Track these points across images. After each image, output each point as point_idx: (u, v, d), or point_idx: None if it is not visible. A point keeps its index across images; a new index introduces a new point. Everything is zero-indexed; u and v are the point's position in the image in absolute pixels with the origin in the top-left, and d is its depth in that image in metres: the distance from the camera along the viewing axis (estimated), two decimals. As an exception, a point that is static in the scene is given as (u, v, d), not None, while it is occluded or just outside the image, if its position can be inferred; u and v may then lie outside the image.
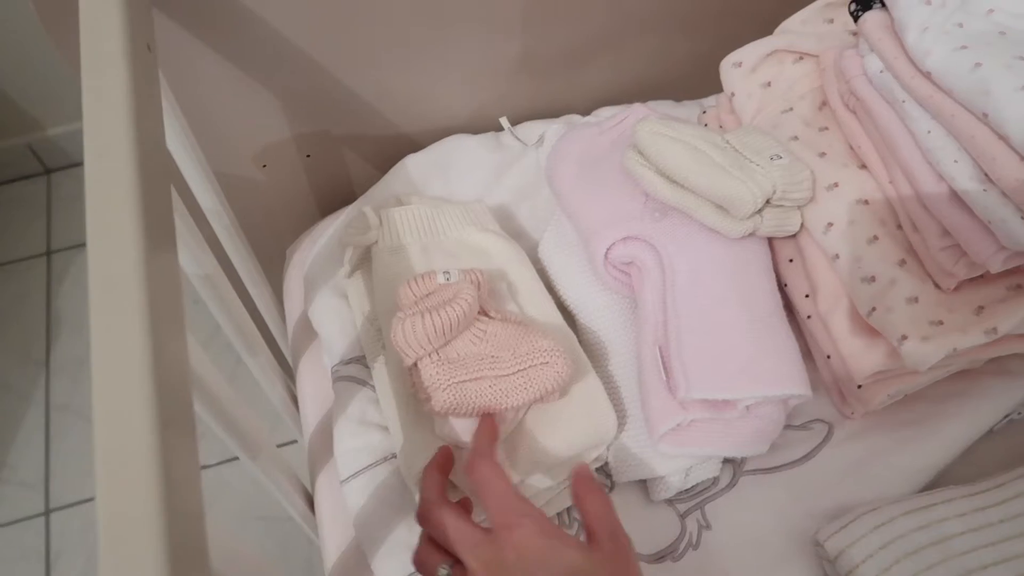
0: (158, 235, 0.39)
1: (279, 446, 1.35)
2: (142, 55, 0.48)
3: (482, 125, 0.84)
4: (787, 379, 0.61)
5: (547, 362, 0.56)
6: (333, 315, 0.70)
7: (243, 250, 0.75)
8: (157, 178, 0.43)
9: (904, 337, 0.58)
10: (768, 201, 0.64)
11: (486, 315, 0.60)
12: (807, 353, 0.69)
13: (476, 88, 0.83)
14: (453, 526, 0.46)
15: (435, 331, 0.55)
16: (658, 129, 0.64)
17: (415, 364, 0.57)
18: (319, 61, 0.73)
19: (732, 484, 0.64)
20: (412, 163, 0.79)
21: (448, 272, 0.60)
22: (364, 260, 0.70)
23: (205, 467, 1.41)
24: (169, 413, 0.32)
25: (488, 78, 0.83)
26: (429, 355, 0.56)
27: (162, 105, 0.59)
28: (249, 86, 0.73)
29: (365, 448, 0.64)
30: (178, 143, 0.63)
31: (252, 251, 0.80)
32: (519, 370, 0.57)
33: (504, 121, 0.82)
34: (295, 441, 1.29)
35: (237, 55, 0.70)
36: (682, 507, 0.63)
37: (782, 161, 0.65)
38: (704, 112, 0.80)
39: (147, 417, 0.31)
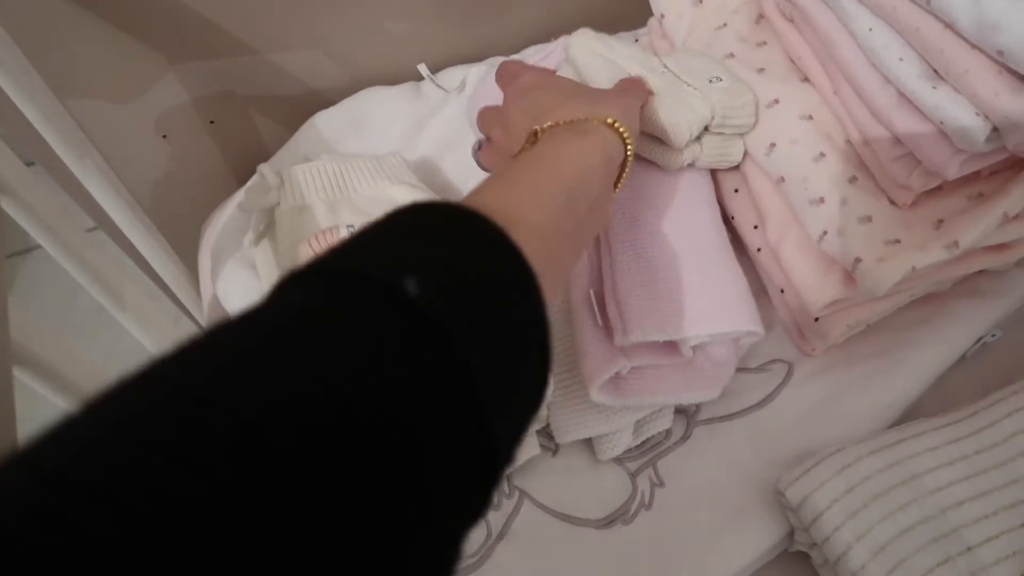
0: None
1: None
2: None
3: (400, 75, 0.78)
4: (735, 315, 0.55)
5: None
6: (242, 289, 0.64)
7: (144, 232, 0.69)
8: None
9: (858, 260, 0.53)
10: (707, 128, 0.59)
11: None
12: (762, 290, 0.64)
13: (389, 34, 0.77)
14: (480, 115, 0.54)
15: None
16: (594, 47, 0.60)
17: None
18: (206, 15, 0.66)
19: (686, 436, 0.59)
20: (322, 120, 0.73)
21: (352, 226, 0.54)
22: (272, 226, 0.64)
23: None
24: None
25: (402, 22, 0.76)
26: None
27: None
28: (130, 49, 0.66)
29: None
30: (48, 124, 0.56)
31: (160, 233, 0.73)
32: None
33: (423, 68, 0.76)
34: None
35: (110, 15, 0.63)
36: (632, 465, 0.58)
37: (722, 84, 0.59)
38: (636, 41, 0.74)
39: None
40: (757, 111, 0.60)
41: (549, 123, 0.45)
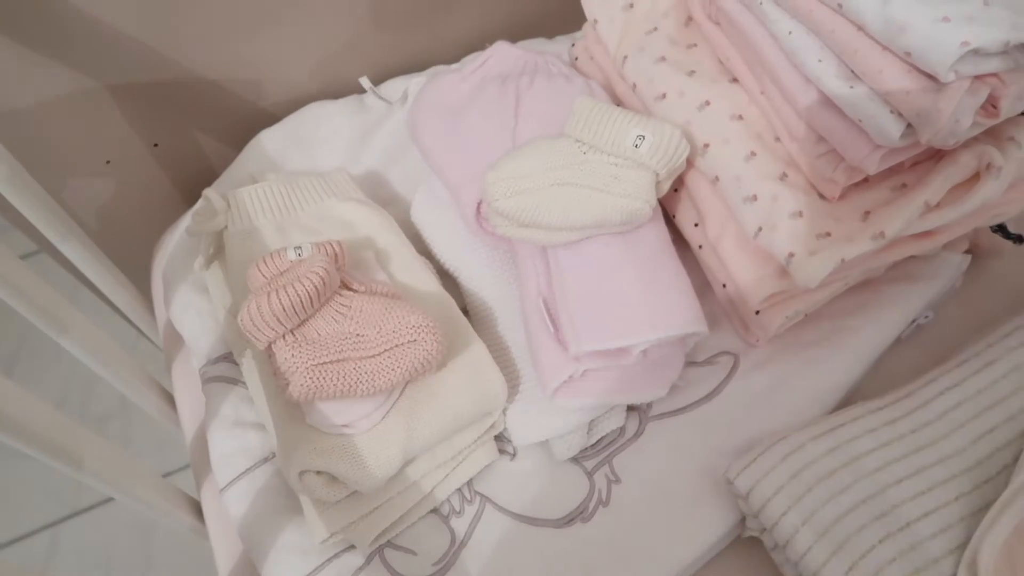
0: None
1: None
2: None
3: (343, 88, 0.78)
4: (680, 319, 0.57)
5: (415, 340, 0.52)
6: (194, 312, 0.65)
7: (89, 258, 0.68)
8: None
9: (791, 254, 0.55)
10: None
11: (349, 288, 0.55)
12: (706, 285, 0.66)
13: (329, 49, 0.77)
14: None
15: (284, 310, 0.50)
16: (511, 188, 0.56)
17: (270, 348, 0.52)
18: (141, 38, 0.66)
19: (639, 433, 0.61)
20: (267, 138, 0.73)
21: (300, 247, 0.55)
22: (222, 249, 0.64)
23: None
24: None
25: (341, 36, 0.77)
26: (283, 336, 0.51)
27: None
28: (65, 74, 0.66)
29: (242, 451, 0.59)
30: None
31: (108, 258, 0.73)
32: (385, 350, 0.52)
33: (365, 81, 0.77)
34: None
35: (42, 42, 0.63)
36: (589, 464, 0.60)
37: (647, 140, 0.58)
38: (573, 46, 0.75)
39: None
40: (687, 139, 0.60)
41: None
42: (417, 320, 0.52)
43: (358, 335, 0.53)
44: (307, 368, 0.50)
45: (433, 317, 0.54)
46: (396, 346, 0.52)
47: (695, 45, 0.65)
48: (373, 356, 0.52)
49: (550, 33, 0.83)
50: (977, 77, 0.47)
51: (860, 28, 0.49)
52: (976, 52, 0.45)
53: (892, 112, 0.49)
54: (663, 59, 0.64)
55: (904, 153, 0.53)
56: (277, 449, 0.55)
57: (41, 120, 0.67)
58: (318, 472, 0.52)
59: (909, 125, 0.49)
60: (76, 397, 1.45)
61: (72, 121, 0.69)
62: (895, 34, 0.47)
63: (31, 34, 0.63)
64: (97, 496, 1.35)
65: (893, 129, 0.49)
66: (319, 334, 0.52)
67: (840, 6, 0.49)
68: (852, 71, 0.51)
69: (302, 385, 0.50)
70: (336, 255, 0.56)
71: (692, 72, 0.63)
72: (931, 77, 0.47)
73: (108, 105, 0.71)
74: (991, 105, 0.49)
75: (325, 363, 0.51)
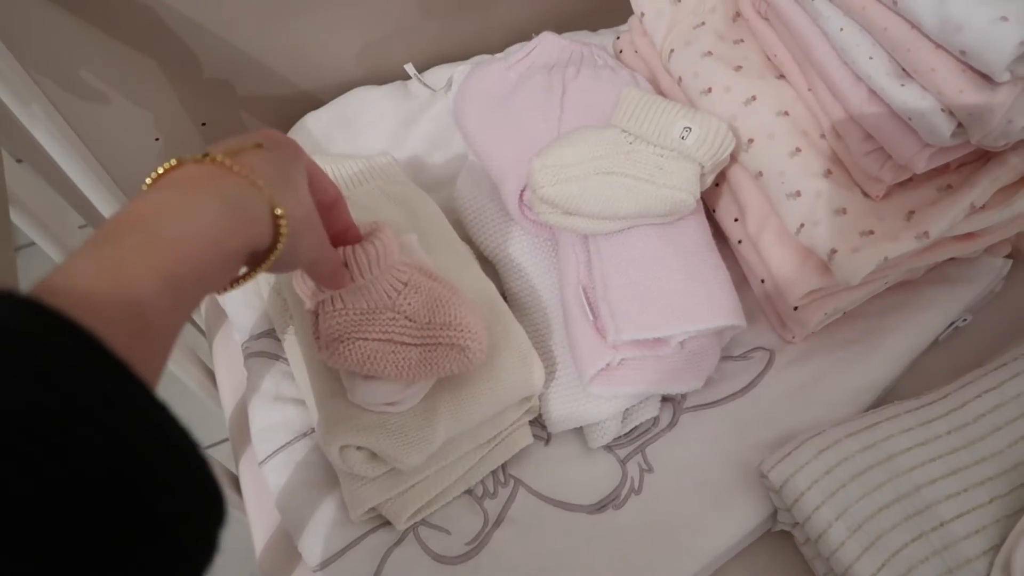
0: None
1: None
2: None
3: (388, 74, 0.79)
4: (718, 311, 0.58)
5: (459, 345, 0.52)
6: (239, 288, 0.66)
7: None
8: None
9: (833, 251, 0.55)
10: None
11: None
12: (744, 280, 0.66)
13: (375, 35, 0.78)
14: None
15: None
16: (557, 175, 0.57)
17: (318, 309, 0.52)
18: (195, 19, 0.67)
19: (672, 423, 0.61)
20: (313, 121, 0.74)
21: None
22: (267, 227, 0.65)
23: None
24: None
25: (387, 23, 0.78)
26: (331, 300, 0.51)
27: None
28: (121, 53, 0.67)
29: (282, 425, 0.60)
30: (40, 126, 0.57)
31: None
32: (429, 344, 0.52)
33: (409, 67, 0.77)
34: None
35: (101, 21, 0.64)
36: (622, 452, 0.60)
37: (693, 132, 0.58)
38: (618, 38, 0.76)
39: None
40: (731, 132, 0.60)
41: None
42: (469, 324, 0.52)
43: (408, 319, 0.52)
44: (348, 340, 0.50)
45: (482, 317, 0.53)
46: (440, 344, 0.52)
47: (742, 41, 0.65)
48: (416, 345, 0.52)
49: (594, 26, 0.83)
50: (1032, 78, 0.47)
51: (914, 26, 0.49)
52: (1033, 52, 0.45)
53: (943, 111, 0.49)
54: (710, 53, 0.64)
55: (953, 153, 0.53)
56: (318, 424, 0.56)
57: (96, 95, 0.69)
58: (358, 448, 0.53)
59: (960, 125, 0.49)
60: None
61: (126, 97, 0.71)
62: (951, 32, 0.47)
63: (89, 12, 0.64)
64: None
65: (944, 128, 0.49)
66: (368, 305, 0.52)
67: (895, 3, 0.49)
68: (903, 69, 0.52)
69: (338, 353, 0.50)
70: (382, 235, 0.56)
71: (739, 67, 0.63)
72: (985, 77, 0.47)
73: (160, 84, 0.72)
74: (1044, 107, 0.49)
75: (367, 340, 0.51)
